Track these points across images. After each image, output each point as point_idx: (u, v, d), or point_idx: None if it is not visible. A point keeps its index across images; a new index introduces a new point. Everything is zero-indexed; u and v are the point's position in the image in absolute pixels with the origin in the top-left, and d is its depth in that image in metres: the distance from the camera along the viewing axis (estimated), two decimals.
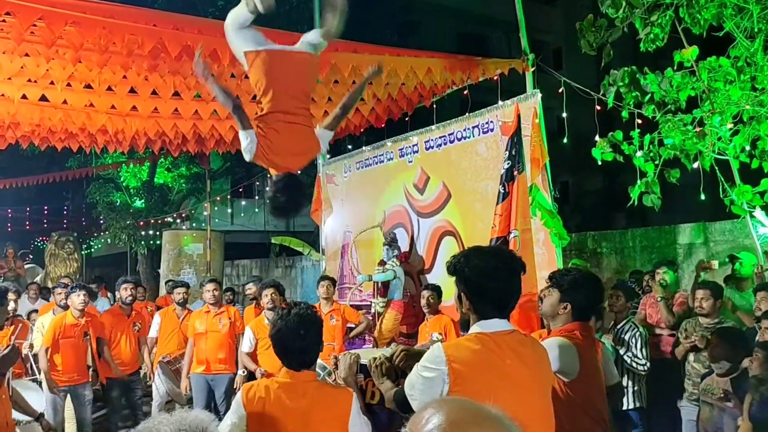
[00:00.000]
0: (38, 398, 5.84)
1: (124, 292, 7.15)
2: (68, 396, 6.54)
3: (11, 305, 6.11)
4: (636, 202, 5.10)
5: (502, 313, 2.42)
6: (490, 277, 2.38)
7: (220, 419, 1.71)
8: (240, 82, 6.40)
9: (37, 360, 6.64)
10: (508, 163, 5.75)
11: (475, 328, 2.42)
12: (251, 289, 8.15)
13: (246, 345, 6.48)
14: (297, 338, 2.72)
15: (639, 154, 4.95)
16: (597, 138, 5.28)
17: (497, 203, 5.76)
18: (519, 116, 5.87)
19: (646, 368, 5.20)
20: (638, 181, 4.98)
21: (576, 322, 3.21)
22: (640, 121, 5.05)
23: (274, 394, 2.66)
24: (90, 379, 6.74)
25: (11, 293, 6.17)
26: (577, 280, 3.26)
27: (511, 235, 5.58)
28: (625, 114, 5.17)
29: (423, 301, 6.45)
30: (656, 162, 4.97)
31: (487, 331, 2.37)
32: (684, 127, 4.88)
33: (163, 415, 1.57)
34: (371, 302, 8.02)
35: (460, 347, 2.37)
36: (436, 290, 6.48)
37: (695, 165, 4.91)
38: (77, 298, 6.53)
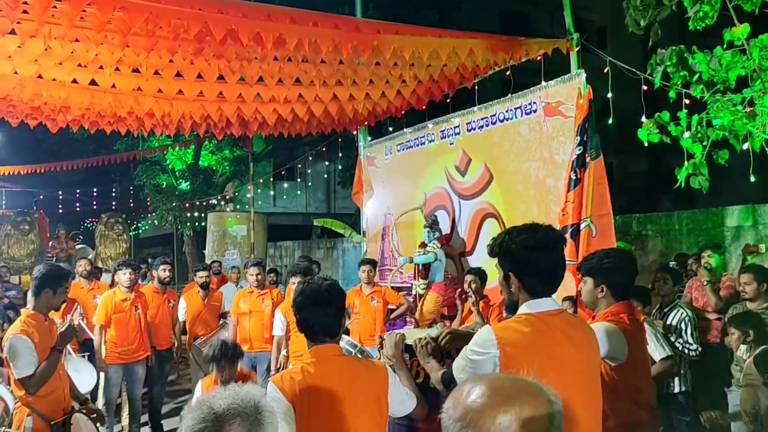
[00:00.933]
0: (90, 376, 6.02)
1: (163, 272, 7.38)
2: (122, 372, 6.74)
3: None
4: (683, 184, 5.00)
5: (549, 288, 2.42)
6: (535, 249, 2.38)
7: None
8: (283, 65, 6.46)
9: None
10: (580, 149, 5.66)
11: (523, 309, 2.41)
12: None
13: (277, 328, 6.47)
14: (317, 307, 2.69)
15: (686, 135, 4.84)
16: (643, 119, 5.17)
17: (569, 190, 5.67)
18: (591, 101, 5.77)
19: (697, 353, 5.13)
20: (685, 163, 4.88)
21: (619, 303, 3.15)
22: (687, 102, 4.93)
23: (309, 376, 2.59)
24: (145, 357, 6.94)
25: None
26: (604, 260, 3.20)
27: (583, 224, 5.53)
28: (672, 94, 5.05)
29: (466, 286, 6.35)
30: (704, 143, 4.86)
31: (535, 312, 2.38)
32: (733, 107, 4.75)
33: (217, 390, 1.64)
34: (412, 284, 8.05)
35: (510, 329, 2.37)
36: (479, 273, 6.21)
37: (744, 146, 4.78)
38: (123, 276, 6.80)
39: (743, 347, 4.59)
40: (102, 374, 6.72)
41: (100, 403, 6.93)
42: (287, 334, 6.39)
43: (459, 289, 6.53)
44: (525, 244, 2.40)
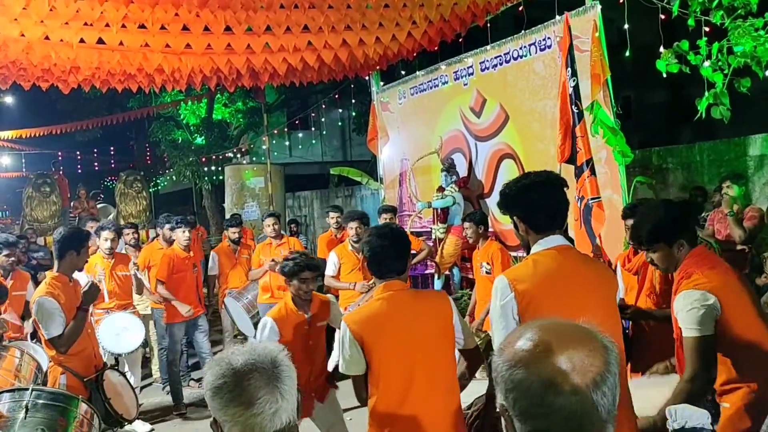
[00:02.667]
0: (138, 331, 6.12)
1: (182, 234, 6.93)
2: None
3: (108, 243, 6.34)
4: (704, 115, 4.90)
5: (554, 223, 2.57)
6: (529, 190, 2.57)
7: None
8: (290, 12, 6.34)
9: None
10: (574, 80, 5.47)
11: (534, 248, 2.57)
12: (333, 217, 7.99)
13: (330, 269, 6.56)
14: (388, 247, 2.91)
15: (706, 63, 4.71)
16: (661, 49, 5.04)
17: (574, 126, 5.45)
18: (570, 28, 5.59)
19: None
20: (706, 93, 4.76)
21: (692, 253, 2.90)
22: (707, 29, 4.78)
23: (382, 310, 2.84)
24: (205, 311, 7.04)
25: (108, 231, 6.44)
26: (670, 219, 2.96)
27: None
28: (691, 22, 4.90)
29: (465, 232, 6.39)
30: (725, 71, 4.73)
31: (542, 250, 2.54)
32: (755, 32, 4.60)
33: (236, 345, 1.68)
34: (431, 228, 8.07)
35: (518, 270, 2.58)
36: (474, 219, 6.23)
37: (767, 72, 4.65)
38: (182, 234, 6.77)
39: None
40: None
41: (155, 353, 7.14)
42: (338, 275, 6.56)
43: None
44: (519, 187, 2.60)
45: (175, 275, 6.67)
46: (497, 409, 1.24)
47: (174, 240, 7.05)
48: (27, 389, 3.42)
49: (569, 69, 5.51)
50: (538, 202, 2.55)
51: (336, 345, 2.99)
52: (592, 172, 5.38)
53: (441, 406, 2.84)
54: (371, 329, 2.81)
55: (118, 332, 5.52)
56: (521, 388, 1.15)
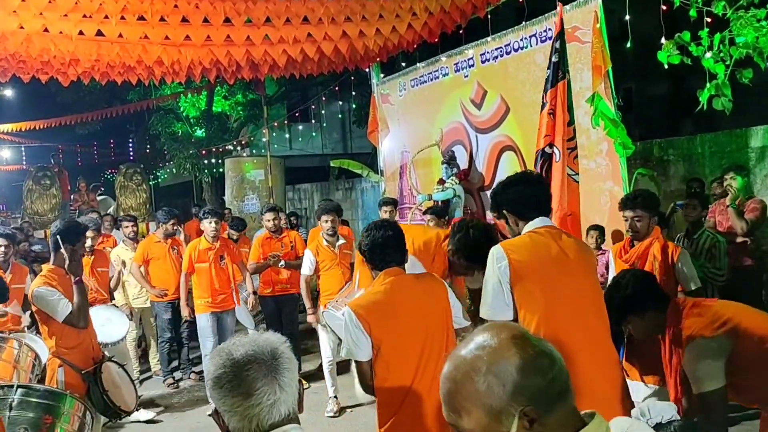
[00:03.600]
0: (121, 324, 6.13)
1: (209, 225, 6.91)
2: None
3: (89, 242, 6.28)
4: (705, 107, 4.88)
5: (540, 211, 2.94)
6: (512, 184, 3.02)
7: (285, 335, 1.81)
8: (290, 3, 6.32)
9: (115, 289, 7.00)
10: (549, 72, 5.30)
11: (526, 228, 2.92)
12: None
13: (306, 267, 6.34)
14: (390, 237, 3.03)
15: (708, 55, 4.69)
16: (663, 40, 5.01)
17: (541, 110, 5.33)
18: (562, 19, 5.49)
19: (724, 279, 5.09)
20: (707, 84, 4.74)
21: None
22: (709, 20, 4.76)
23: (387, 295, 2.90)
24: (234, 307, 6.96)
25: (90, 231, 6.36)
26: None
27: (549, 149, 5.20)
28: (693, 13, 4.87)
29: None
30: (727, 62, 4.71)
31: (530, 229, 2.89)
32: (757, 23, 4.57)
33: (238, 337, 1.70)
34: None
35: (512, 242, 2.90)
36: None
37: None
38: (209, 225, 6.78)
39: None
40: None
41: (130, 347, 7.12)
42: (317, 273, 6.37)
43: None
44: (503, 185, 3.06)
45: (198, 265, 6.76)
46: None
47: (167, 234, 7.32)
48: (12, 386, 3.39)
49: (553, 60, 5.32)
50: (521, 193, 2.97)
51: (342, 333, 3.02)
52: (535, 164, 5.24)
53: None
54: (379, 314, 2.85)
55: (103, 323, 5.53)
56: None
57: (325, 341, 6.13)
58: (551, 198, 3.03)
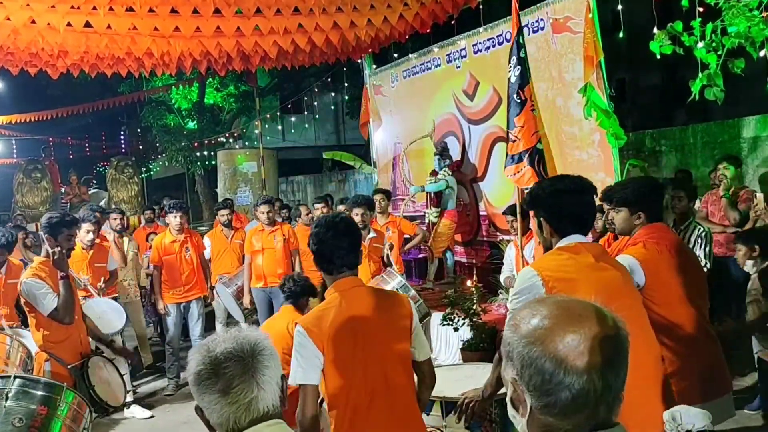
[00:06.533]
0: (117, 316, 6.09)
1: (174, 219, 7.01)
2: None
3: (90, 236, 6.23)
4: (697, 97, 4.87)
5: (580, 231, 2.57)
6: (562, 193, 2.57)
7: None
8: None
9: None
10: (518, 69, 5.17)
11: (559, 244, 2.56)
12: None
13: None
14: (336, 240, 2.67)
15: (700, 45, 4.66)
16: (655, 30, 4.99)
17: (516, 115, 5.16)
18: (519, 14, 5.36)
19: (706, 268, 5.07)
20: (699, 74, 4.73)
21: (652, 225, 3.23)
22: (701, 9, 4.73)
23: (339, 311, 2.58)
24: (201, 296, 7.15)
25: (89, 224, 6.30)
26: (639, 191, 3.28)
27: (539, 146, 5.14)
28: (685, 3, 4.84)
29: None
30: (719, 52, 4.69)
31: (565, 244, 2.54)
32: (749, 12, 4.56)
33: (221, 332, 1.70)
34: (425, 212, 8.04)
35: (545, 260, 2.58)
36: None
37: (762, 53, 4.61)
38: (174, 219, 6.94)
39: (749, 263, 4.57)
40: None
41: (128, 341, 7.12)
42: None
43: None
44: (552, 189, 2.61)
45: (165, 257, 6.93)
46: (508, 384, 1.25)
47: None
48: (10, 377, 3.38)
49: (515, 56, 5.22)
50: (567, 207, 2.56)
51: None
52: (531, 162, 5.11)
53: (404, 417, 2.65)
54: (331, 332, 2.54)
55: (99, 315, 5.49)
56: (537, 365, 1.17)
57: None
58: (596, 216, 2.77)
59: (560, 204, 2.56)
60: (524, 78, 5.19)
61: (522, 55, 5.22)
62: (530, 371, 1.18)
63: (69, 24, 6.22)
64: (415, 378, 2.77)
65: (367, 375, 2.57)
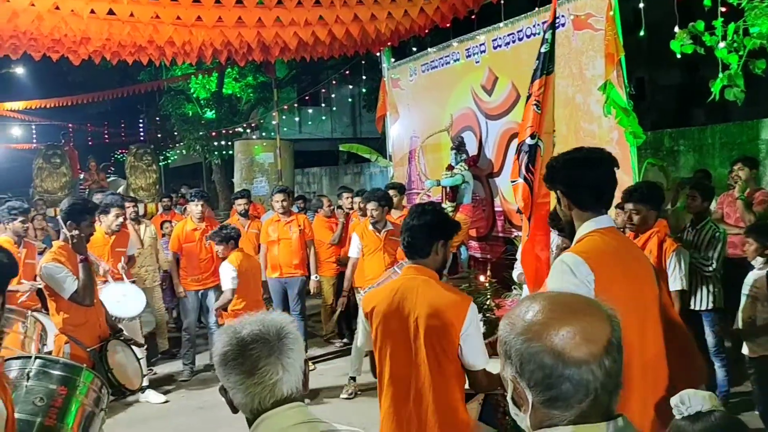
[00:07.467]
0: (138, 300, 6.13)
1: (195, 207, 7.14)
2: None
3: (119, 220, 6.28)
4: (717, 97, 4.85)
5: (600, 203, 2.48)
6: (579, 166, 2.46)
7: (293, 315, 1.85)
8: None
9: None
10: (536, 63, 5.08)
11: (590, 225, 2.46)
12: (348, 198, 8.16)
13: (353, 250, 6.63)
14: (423, 225, 2.83)
15: (722, 45, 4.64)
16: (676, 29, 4.97)
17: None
18: (555, 10, 5.29)
19: (712, 269, 5.04)
20: (720, 74, 4.71)
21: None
22: (723, 9, 4.71)
23: (387, 292, 2.79)
24: (218, 284, 7.00)
25: (116, 209, 6.32)
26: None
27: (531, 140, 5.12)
28: (707, 2, 4.82)
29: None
30: (740, 53, 4.67)
31: (599, 228, 2.45)
32: None
33: (246, 316, 1.73)
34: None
35: (586, 244, 2.43)
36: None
37: None
38: (195, 207, 7.05)
39: (760, 260, 4.55)
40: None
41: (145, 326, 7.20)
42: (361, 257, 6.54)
43: None
44: (567, 159, 2.51)
45: (185, 245, 7.05)
46: (507, 382, 1.27)
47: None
48: (31, 357, 3.45)
49: (542, 51, 5.09)
50: (583, 178, 2.45)
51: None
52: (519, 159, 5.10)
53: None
54: (376, 308, 2.79)
55: (118, 299, 5.58)
56: (537, 360, 1.19)
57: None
58: (615, 188, 2.57)
59: (577, 176, 2.46)
60: (537, 73, 5.17)
61: (542, 50, 5.17)
62: (531, 367, 1.20)
63: (92, 11, 6.28)
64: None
65: (403, 357, 2.73)
